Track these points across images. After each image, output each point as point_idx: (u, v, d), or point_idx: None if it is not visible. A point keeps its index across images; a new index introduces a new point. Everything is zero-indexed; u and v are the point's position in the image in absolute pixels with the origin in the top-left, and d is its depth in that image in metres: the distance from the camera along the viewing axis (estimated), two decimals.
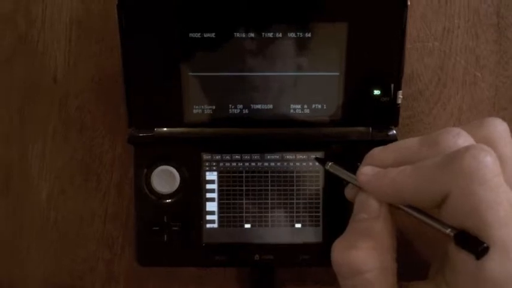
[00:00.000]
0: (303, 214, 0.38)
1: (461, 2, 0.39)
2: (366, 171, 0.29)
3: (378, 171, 0.29)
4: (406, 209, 0.28)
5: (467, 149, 0.25)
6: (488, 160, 0.24)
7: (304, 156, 0.37)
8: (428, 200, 0.26)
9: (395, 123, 0.36)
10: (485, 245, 0.23)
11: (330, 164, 0.33)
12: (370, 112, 0.36)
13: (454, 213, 0.25)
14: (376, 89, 0.35)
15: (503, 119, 0.38)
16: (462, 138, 0.27)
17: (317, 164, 0.37)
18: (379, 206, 0.28)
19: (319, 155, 0.37)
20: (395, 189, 0.27)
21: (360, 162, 0.36)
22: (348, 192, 0.32)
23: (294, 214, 0.38)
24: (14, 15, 0.39)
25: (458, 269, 0.25)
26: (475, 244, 0.24)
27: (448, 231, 0.25)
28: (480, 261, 0.23)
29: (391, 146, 0.30)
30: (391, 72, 0.35)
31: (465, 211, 0.24)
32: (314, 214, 0.37)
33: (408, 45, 0.38)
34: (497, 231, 0.23)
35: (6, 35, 0.39)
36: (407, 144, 0.29)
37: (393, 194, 0.28)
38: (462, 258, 0.24)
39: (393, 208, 0.29)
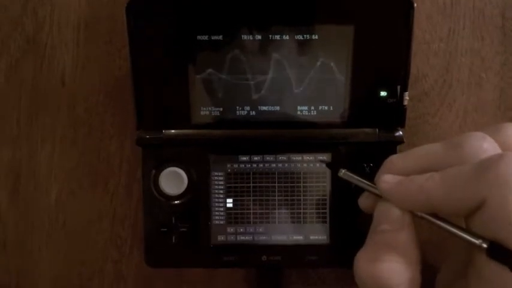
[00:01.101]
0: (310, 216, 0.38)
1: (466, 3, 0.39)
2: (388, 179, 0.29)
3: (401, 179, 0.28)
4: (431, 218, 0.27)
5: (501, 156, 0.24)
6: None
7: (311, 158, 0.38)
8: (460, 208, 0.25)
9: (401, 125, 0.36)
10: None
11: (343, 171, 0.33)
12: (376, 113, 0.36)
13: (487, 223, 0.24)
14: (383, 91, 0.36)
15: (509, 120, 0.39)
16: (487, 142, 0.26)
17: (324, 166, 0.37)
18: (402, 215, 0.28)
19: (326, 156, 0.37)
20: (424, 197, 0.26)
21: (366, 164, 0.37)
22: (363, 201, 0.31)
23: (301, 215, 0.38)
24: (22, 19, 0.39)
25: (488, 281, 0.24)
26: (509, 256, 0.23)
27: (479, 242, 0.25)
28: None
29: (411, 153, 0.29)
30: (398, 73, 0.35)
31: (500, 221, 0.23)
32: (321, 215, 0.38)
33: (414, 46, 0.38)
34: None
35: (14, 39, 0.40)
36: (430, 150, 0.28)
37: (421, 202, 0.27)
38: (493, 270, 0.24)
39: (416, 218, 0.28)
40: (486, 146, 0.26)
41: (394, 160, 0.30)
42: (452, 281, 0.28)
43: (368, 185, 0.31)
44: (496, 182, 0.24)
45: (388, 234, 0.28)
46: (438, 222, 0.27)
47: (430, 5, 0.39)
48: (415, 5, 0.34)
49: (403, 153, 0.29)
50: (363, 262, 0.28)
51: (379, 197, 0.30)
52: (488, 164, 0.24)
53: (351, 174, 0.32)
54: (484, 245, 0.24)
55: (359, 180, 0.31)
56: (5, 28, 0.39)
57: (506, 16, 0.39)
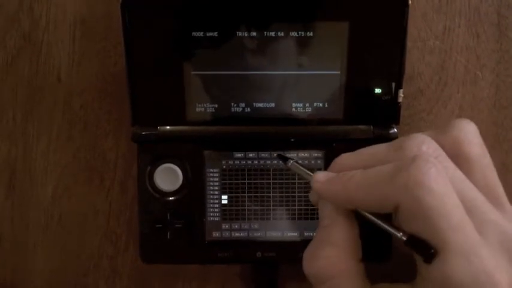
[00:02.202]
0: (305, 212, 0.38)
1: (462, 1, 0.39)
2: (319, 177, 0.29)
3: (331, 177, 0.29)
4: (362, 212, 0.28)
5: (413, 160, 0.25)
6: (433, 171, 0.24)
7: (306, 154, 0.38)
8: (378, 208, 0.26)
9: (396, 122, 0.37)
10: (432, 250, 0.24)
11: (291, 162, 0.33)
12: (371, 110, 0.36)
13: (407, 221, 0.25)
14: (378, 88, 0.36)
15: (504, 117, 0.39)
16: (426, 145, 0.27)
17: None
18: (336, 211, 0.29)
19: (321, 153, 0.37)
20: (346, 196, 0.27)
21: None
22: (312, 196, 0.32)
23: (296, 212, 0.38)
24: (18, 15, 0.39)
25: (424, 276, 0.25)
26: (424, 248, 0.24)
27: (400, 235, 0.26)
28: (442, 267, 0.24)
29: (360, 151, 0.30)
30: (393, 70, 0.35)
31: (417, 220, 0.24)
32: (316, 211, 0.38)
33: (409, 44, 0.38)
34: (453, 237, 0.23)
35: (10, 35, 0.40)
36: (375, 150, 0.29)
37: (343, 200, 0.28)
38: (426, 264, 0.25)
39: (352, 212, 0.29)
40: (425, 148, 0.27)
41: (344, 157, 0.30)
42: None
43: (309, 175, 0.31)
44: (407, 185, 0.24)
45: (325, 230, 0.29)
46: (368, 216, 0.28)
47: (425, 3, 0.39)
48: (410, 2, 0.34)
49: (355, 151, 0.30)
50: (306, 258, 0.29)
51: None
52: (401, 167, 0.25)
53: (299, 166, 0.33)
54: (404, 238, 0.26)
55: (305, 173, 0.32)
56: (1, 24, 0.39)
57: (502, 13, 0.39)
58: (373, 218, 0.28)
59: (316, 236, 0.30)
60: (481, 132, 0.39)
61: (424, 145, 0.27)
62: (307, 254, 0.29)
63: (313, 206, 0.37)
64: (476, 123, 0.39)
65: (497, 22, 0.39)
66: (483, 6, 0.39)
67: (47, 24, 0.39)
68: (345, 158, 0.30)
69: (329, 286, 0.28)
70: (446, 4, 0.39)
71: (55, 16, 0.39)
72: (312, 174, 0.30)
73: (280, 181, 0.38)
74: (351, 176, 0.27)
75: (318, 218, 0.37)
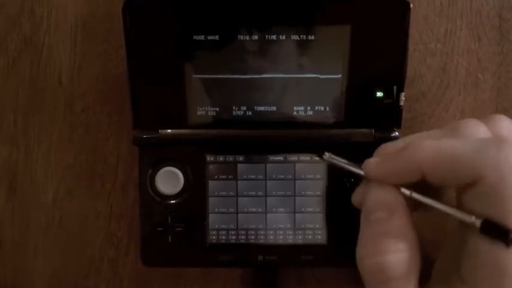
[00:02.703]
0: (307, 215, 0.38)
1: (463, 4, 0.39)
2: (372, 160, 0.29)
3: (386, 155, 0.29)
4: (423, 198, 0.27)
5: (501, 140, 0.25)
6: None
7: (308, 158, 0.38)
8: (453, 179, 0.26)
9: (398, 125, 0.36)
10: None
11: (328, 154, 0.33)
12: (372, 114, 0.36)
13: (482, 198, 0.25)
14: (379, 91, 0.36)
15: None
16: (483, 128, 0.28)
17: (317, 158, 0.36)
18: (395, 197, 0.28)
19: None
20: (415, 167, 0.26)
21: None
22: (356, 196, 0.31)
23: (298, 215, 0.38)
24: (19, 18, 0.39)
25: (482, 260, 0.25)
26: (503, 232, 0.23)
27: (473, 219, 0.25)
28: (508, 253, 0.23)
29: (406, 138, 0.30)
30: (394, 74, 0.35)
31: (495, 197, 0.24)
32: (317, 215, 0.38)
33: (411, 46, 0.38)
34: None
35: (12, 38, 0.40)
36: (425, 135, 0.29)
37: (412, 173, 0.27)
38: (487, 248, 0.24)
39: (408, 200, 0.28)
40: (482, 130, 0.27)
41: (387, 145, 0.31)
42: (449, 270, 0.28)
43: (353, 165, 0.30)
44: (498, 161, 0.24)
45: (383, 222, 0.28)
46: (430, 201, 0.27)
47: (426, 6, 0.39)
48: (412, 5, 0.34)
49: (398, 140, 0.30)
50: (364, 258, 0.28)
51: (367, 181, 0.30)
52: (491, 144, 0.25)
53: (335, 157, 0.32)
54: (478, 222, 0.24)
55: (344, 163, 0.31)
56: (2, 27, 0.39)
57: (503, 16, 0.39)
58: (439, 203, 0.27)
59: (369, 232, 0.29)
60: None
61: (481, 128, 0.28)
62: (363, 252, 0.28)
63: (315, 210, 0.37)
64: None
65: (499, 25, 0.39)
66: (485, 9, 0.39)
67: (48, 27, 0.39)
68: (390, 145, 0.30)
69: (392, 286, 0.26)
70: (447, 7, 0.39)
71: (56, 19, 0.39)
72: (351, 163, 0.30)
73: (281, 184, 0.38)
74: (421, 145, 0.27)
75: (320, 221, 0.37)
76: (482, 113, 0.40)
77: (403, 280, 0.26)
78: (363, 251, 0.28)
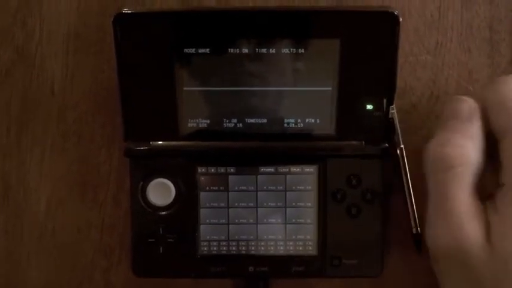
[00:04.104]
0: (298, 226, 0.38)
1: (454, 16, 0.39)
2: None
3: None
4: None
5: None
6: None
7: (298, 169, 0.38)
8: None
9: (387, 137, 0.37)
10: None
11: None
12: (363, 126, 0.37)
13: None
14: (369, 104, 0.36)
15: None
16: None
17: (308, 170, 0.38)
18: (474, 108, 0.32)
19: (313, 168, 0.38)
20: None
21: (353, 175, 0.37)
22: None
23: (289, 226, 0.38)
24: (11, 28, 0.40)
25: None
26: None
27: None
28: None
29: None
30: (384, 87, 0.36)
31: None
32: (308, 226, 0.38)
33: (401, 58, 0.39)
34: None
35: (4, 48, 0.40)
36: None
37: None
38: None
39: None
40: None
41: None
42: None
43: None
44: None
45: (458, 125, 0.32)
46: None
47: (417, 18, 0.39)
48: (401, 19, 0.34)
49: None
50: (434, 146, 0.33)
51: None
52: None
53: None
54: None
55: None
56: None
57: (494, 28, 0.40)
58: None
59: (445, 129, 0.33)
60: None
61: None
62: (434, 143, 0.33)
63: (306, 221, 0.37)
64: None
65: (489, 37, 0.40)
66: (475, 21, 0.39)
67: (40, 38, 0.40)
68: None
69: (452, 175, 0.31)
70: (438, 19, 0.39)
71: (49, 30, 0.40)
72: None
73: (272, 196, 0.38)
74: None
75: (310, 233, 0.38)
76: None
77: (463, 170, 0.31)
78: (434, 142, 0.33)
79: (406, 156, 0.39)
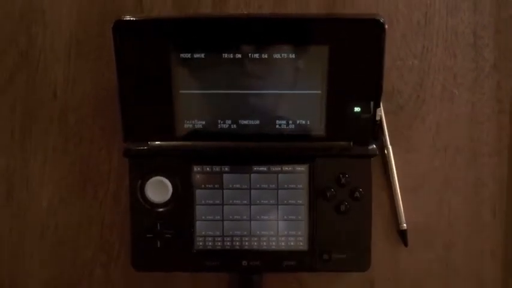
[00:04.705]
0: (289, 222, 0.40)
1: (439, 22, 0.41)
2: None
3: None
4: None
5: None
6: None
7: (290, 168, 0.40)
8: None
9: (374, 138, 0.38)
10: None
11: None
12: (351, 128, 0.38)
13: None
14: (357, 107, 0.38)
15: (480, 133, 0.42)
16: None
17: (299, 169, 0.39)
18: None
19: (304, 167, 0.39)
20: None
21: (342, 174, 0.39)
22: None
23: (280, 223, 0.40)
24: (15, 35, 0.41)
25: None
26: None
27: None
28: None
29: None
30: (371, 90, 0.37)
31: None
32: (299, 222, 0.40)
33: (389, 63, 0.41)
34: None
35: (9, 53, 0.41)
36: None
37: None
38: None
39: None
40: None
41: None
42: None
43: None
44: None
45: None
46: None
47: (404, 24, 0.41)
48: (386, 26, 0.35)
49: None
50: None
51: None
52: None
53: None
54: None
55: None
56: (0, 45, 0.41)
57: (478, 34, 0.41)
58: None
59: None
60: (457, 148, 0.41)
61: None
62: None
63: (297, 217, 0.39)
64: (453, 139, 0.41)
65: (473, 42, 0.41)
66: (460, 27, 0.41)
67: (43, 44, 0.41)
68: None
69: None
70: (424, 25, 0.41)
71: (51, 36, 0.41)
72: None
73: (265, 194, 0.40)
74: None
75: (301, 228, 0.39)
76: (458, 126, 0.42)
77: None
78: None
79: (393, 156, 0.41)
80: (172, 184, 0.39)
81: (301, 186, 0.40)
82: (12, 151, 0.42)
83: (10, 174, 0.43)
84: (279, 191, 0.40)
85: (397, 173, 0.42)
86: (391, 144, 0.41)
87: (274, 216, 0.40)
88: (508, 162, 0.42)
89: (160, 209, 0.40)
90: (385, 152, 0.41)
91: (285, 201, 0.40)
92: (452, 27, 0.41)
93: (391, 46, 0.41)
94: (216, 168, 0.40)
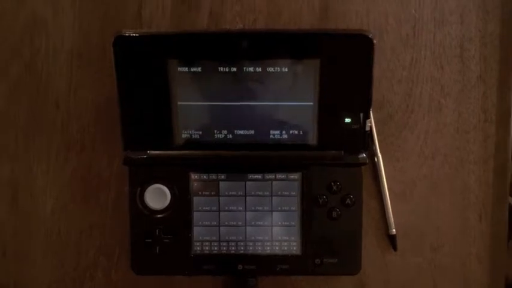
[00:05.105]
0: (283, 228, 0.42)
1: (427, 35, 0.43)
2: None
3: None
4: None
5: None
6: None
7: (283, 176, 0.41)
8: None
9: (364, 148, 0.40)
10: None
11: None
12: (342, 138, 0.40)
13: None
14: (347, 118, 0.39)
15: (467, 141, 0.43)
16: None
17: (292, 177, 0.41)
18: None
19: (297, 175, 0.41)
20: None
21: (334, 182, 0.40)
22: None
23: (274, 228, 0.42)
24: (19, 47, 0.43)
25: None
26: None
27: None
28: None
29: None
30: (361, 102, 0.39)
31: None
32: (292, 228, 0.41)
33: (379, 74, 0.42)
34: None
35: (13, 65, 0.43)
36: None
37: None
38: None
39: None
40: None
41: None
42: None
43: None
44: None
45: None
46: None
47: (393, 37, 0.43)
48: (375, 41, 0.37)
49: None
50: None
51: None
52: None
53: None
54: None
55: None
56: (5, 56, 0.43)
57: (464, 47, 0.43)
58: None
59: None
60: (445, 156, 0.43)
61: None
62: None
63: (290, 223, 0.41)
64: (441, 147, 0.43)
65: (460, 54, 0.43)
66: (447, 40, 0.43)
67: (46, 56, 0.43)
68: None
69: None
70: (413, 38, 0.43)
71: (54, 48, 0.43)
72: None
73: (260, 200, 0.41)
74: None
75: (294, 234, 0.41)
76: (444, 135, 0.43)
77: None
78: None
79: (383, 164, 0.43)
80: (170, 191, 0.41)
81: (294, 193, 0.41)
82: (17, 159, 0.44)
83: (15, 181, 0.44)
84: (273, 198, 0.41)
85: (386, 180, 0.43)
86: (381, 152, 0.43)
87: (268, 222, 0.42)
88: (494, 169, 0.44)
89: (159, 215, 0.41)
90: (375, 159, 0.43)
91: (279, 208, 0.41)
92: (439, 40, 0.43)
93: (381, 58, 0.42)
94: (213, 176, 0.41)
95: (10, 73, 0.43)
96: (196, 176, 0.41)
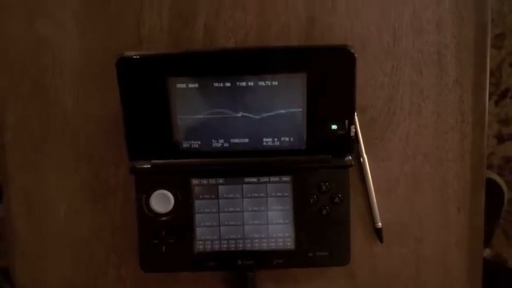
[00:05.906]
0: (277, 226, 0.45)
1: (407, 43, 0.46)
2: None
3: None
4: None
5: None
6: None
7: (277, 179, 0.45)
8: None
9: (350, 151, 0.44)
10: None
11: None
12: (329, 143, 0.43)
13: None
14: (334, 124, 0.43)
15: (445, 141, 0.47)
16: None
17: (285, 179, 0.45)
18: None
19: (289, 178, 0.45)
20: None
21: (323, 183, 0.44)
22: None
23: (270, 226, 0.45)
24: (28, 66, 0.46)
25: None
26: None
27: None
28: None
29: None
30: (345, 110, 0.42)
31: None
32: (286, 225, 0.45)
33: (362, 80, 0.46)
34: None
35: (23, 83, 0.46)
36: None
37: None
38: None
39: None
40: None
41: None
42: None
43: None
44: None
45: None
46: None
47: (375, 46, 0.46)
48: (356, 55, 0.40)
49: None
50: None
51: None
52: None
53: None
54: None
55: None
56: (14, 74, 0.46)
57: (441, 53, 0.46)
58: None
59: None
60: (425, 155, 0.47)
61: None
62: None
63: (284, 221, 0.45)
64: (421, 147, 0.47)
65: (438, 60, 0.46)
66: (425, 47, 0.46)
67: (53, 73, 0.46)
68: None
69: None
70: (393, 46, 0.46)
71: (60, 66, 0.46)
72: None
73: (255, 201, 0.45)
74: None
75: (288, 230, 0.45)
76: (425, 136, 0.47)
77: None
78: None
79: (368, 164, 0.47)
80: (173, 196, 0.45)
81: (287, 194, 0.45)
82: (32, 169, 0.47)
83: (30, 189, 0.48)
84: (268, 198, 0.45)
85: (372, 178, 0.47)
86: (366, 153, 0.47)
87: (264, 221, 0.45)
88: (470, 166, 0.47)
89: (164, 218, 0.45)
90: (361, 160, 0.47)
91: (274, 208, 0.45)
92: (418, 47, 0.46)
93: (364, 66, 0.46)
94: (212, 181, 0.45)
95: (21, 91, 0.46)
96: (197, 182, 0.45)
